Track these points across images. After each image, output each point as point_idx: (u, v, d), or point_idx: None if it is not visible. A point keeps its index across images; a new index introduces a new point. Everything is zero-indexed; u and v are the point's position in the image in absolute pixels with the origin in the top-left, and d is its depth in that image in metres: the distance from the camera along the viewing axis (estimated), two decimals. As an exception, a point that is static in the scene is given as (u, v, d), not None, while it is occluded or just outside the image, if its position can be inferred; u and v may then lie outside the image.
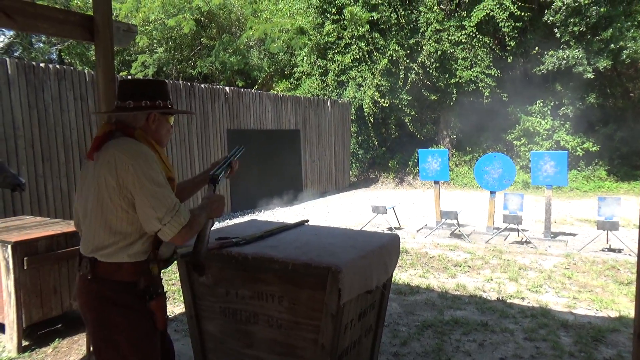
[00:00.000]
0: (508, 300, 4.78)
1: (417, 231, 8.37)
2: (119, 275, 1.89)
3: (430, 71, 15.22)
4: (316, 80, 16.20)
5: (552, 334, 3.92)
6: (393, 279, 5.41)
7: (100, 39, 3.51)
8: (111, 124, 1.96)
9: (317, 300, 2.31)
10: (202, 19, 17.74)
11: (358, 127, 16.23)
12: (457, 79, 15.03)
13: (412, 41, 15.33)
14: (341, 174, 15.07)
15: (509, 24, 13.98)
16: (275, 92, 14.27)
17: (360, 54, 15.07)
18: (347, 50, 15.32)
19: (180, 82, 9.54)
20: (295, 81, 17.66)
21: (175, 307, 4.75)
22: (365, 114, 15.26)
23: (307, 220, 3.13)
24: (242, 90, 11.19)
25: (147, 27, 17.20)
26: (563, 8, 13.30)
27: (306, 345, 2.39)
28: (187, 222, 1.85)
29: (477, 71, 14.71)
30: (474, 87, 14.95)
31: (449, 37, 14.84)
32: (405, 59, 15.04)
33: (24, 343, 3.92)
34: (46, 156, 6.99)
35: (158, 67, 17.98)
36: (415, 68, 15.10)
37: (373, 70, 15.07)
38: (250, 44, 18.61)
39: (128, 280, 1.90)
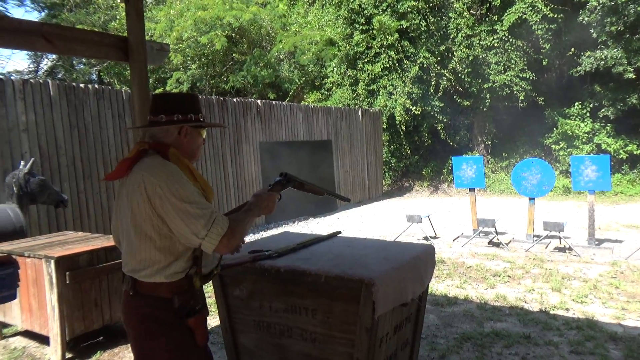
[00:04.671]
0: (551, 312, 4.59)
1: (454, 240, 8.20)
2: (159, 292, 1.90)
3: (462, 77, 15.00)
4: (347, 90, 16.23)
5: (601, 347, 3.74)
6: (429, 290, 5.31)
7: (134, 59, 3.63)
8: (144, 143, 1.97)
9: (351, 314, 2.27)
10: (234, 35, 18.09)
11: (390, 135, 16.13)
12: (490, 84, 14.74)
13: (442, 47, 15.17)
14: (374, 183, 14.98)
15: (543, 26, 13.64)
16: (307, 104, 14.36)
17: (390, 62, 15.01)
18: (377, 59, 15.30)
19: (213, 96, 9.73)
20: (325, 92, 17.74)
21: (211, 319, 4.79)
22: (397, 122, 15.15)
23: (339, 232, 3.10)
24: (273, 102, 11.32)
25: (180, 45, 17.66)
26: (599, 8, 12.88)
27: (341, 360, 2.35)
28: (226, 231, 1.82)
29: (511, 75, 14.39)
30: (508, 92, 14.61)
31: (481, 42, 14.61)
32: (436, 65, 14.89)
33: (68, 355, 4.03)
34: (87, 173, 7.24)
35: (192, 83, 18.42)
36: (447, 74, 14.92)
37: (404, 78, 14.98)
38: (281, 57, 18.84)
39: (166, 297, 1.91)
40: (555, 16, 13.35)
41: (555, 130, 14.77)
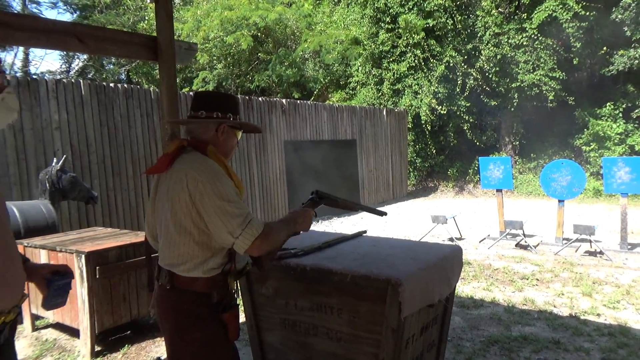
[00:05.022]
0: (582, 317, 4.47)
1: (480, 242, 8.07)
2: (196, 287, 1.93)
3: (490, 76, 14.75)
4: (372, 89, 16.16)
5: (634, 355, 3.62)
6: (455, 292, 5.23)
7: (163, 58, 3.68)
8: (183, 140, 2.02)
9: (377, 314, 2.25)
10: (259, 34, 18.23)
11: (415, 135, 15.98)
12: (518, 83, 14.45)
13: (469, 46, 14.96)
14: (399, 183, 14.87)
15: (574, 24, 13.29)
16: (331, 103, 14.36)
17: (416, 61, 14.88)
18: (403, 58, 15.18)
19: (239, 95, 9.82)
20: (350, 91, 17.71)
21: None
22: (422, 122, 15.01)
23: (365, 231, 3.08)
24: (298, 102, 11.35)
25: (207, 45, 17.89)
26: (633, 5, 12.48)
27: (366, 360, 2.34)
28: (260, 233, 1.83)
29: (540, 74, 14.08)
30: (537, 91, 14.29)
31: (509, 41, 14.34)
32: (462, 64, 14.69)
33: (97, 348, 4.12)
34: (116, 171, 7.40)
35: (218, 82, 18.63)
36: (474, 73, 14.69)
37: (429, 78, 14.83)
38: (306, 56, 18.88)
39: (204, 292, 1.94)
40: (587, 14, 12.99)
41: (586, 131, 14.38)
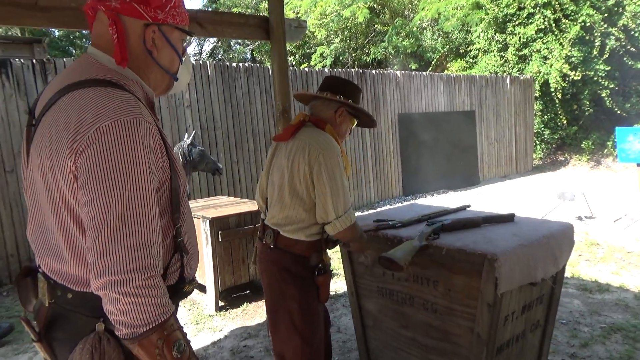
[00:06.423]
0: None
1: (614, 222, 7.30)
2: (296, 249, 2.15)
3: (636, 35, 12.90)
4: (494, 56, 15.12)
5: None
6: (576, 274, 4.87)
7: (274, 37, 3.88)
8: (305, 115, 2.23)
9: (472, 288, 2.23)
10: (375, 5, 17.96)
11: (543, 104, 14.69)
12: (674, 41, 12.47)
13: (610, 2, 13.18)
14: (523, 157, 13.90)
15: None
16: (449, 73, 13.77)
17: (546, 23, 13.53)
18: (530, 20, 13.91)
19: (352, 69, 9.88)
20: (470, 60, 16.76)
21: (343, 284, 5.04)
22: (552, 90, 13.71)
23: (468, 205, 3.01)
24: (413, 73, 11.09)
25: (324, 20, 18.12)
26: None
27: (461, 333, 2.33)
28: (353, 223, 2.05)
29: None
30: (699, 49, 12.21)
31: (663, -9, 12.37)
32: (602, 23, 13.02)
33: (220, 303, 4.62)
34: (239, 145, 7.99)
35: (335, 57, 18.85)
36: (615, 33, 12.95)
37: (561, 40, 13.42)
38: (424, 25, 18.22)
39: (303, 254, 2.15)
40: None
41: None
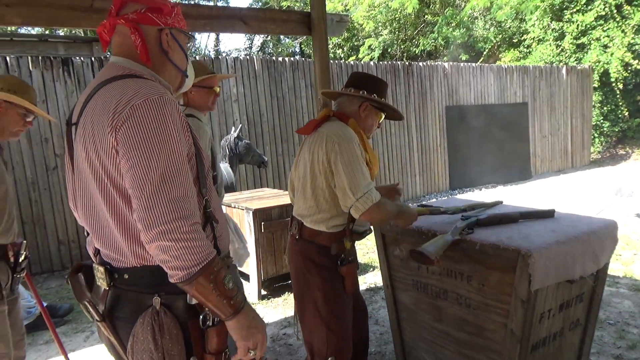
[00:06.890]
0: None
1: (676, 220, 6.87)
2: (319, 240, 2.22)
3: None
4: (550, 45, 14.50)
5: None
6: (630, 274, 4.67)
7: (316, 32, 3.94)
8: (330, 110, 2.31)
9: (506, 284, 2.21)
10: (425, -5, 17.64)
11: (603, 95, 13.96)
12: None
13: (681, -15, 12.33)
14: (579, 151, 13.28)
15: None
16: (501, 64, 13.34)
17: (607, 9, 12.83)
18: (589, 7, 13.22)
19: (399, 62, 9.78)
20: (524, 49, 16.13)
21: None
22: (613, 80, 13.00)
23: (501, 201, 2.96)
24: (461, 64, 10.83)
25: (372, 12, 17.95)
26: None
27: (495, 329, 2.32)
28: (377, 202, 2.06)
29: None
30: None
31: None
32: (671, 7, 12.21)
33: (263, 292, 4.76)
34: (284, 138, 8.14)
35: (383, 49, 18.64)
36: (687, 17, 12.11)
37: (623, 27, 12.68)
38: (475, 14, 17.67)
39: (324, 245, 2.22)
40: None
41: None
